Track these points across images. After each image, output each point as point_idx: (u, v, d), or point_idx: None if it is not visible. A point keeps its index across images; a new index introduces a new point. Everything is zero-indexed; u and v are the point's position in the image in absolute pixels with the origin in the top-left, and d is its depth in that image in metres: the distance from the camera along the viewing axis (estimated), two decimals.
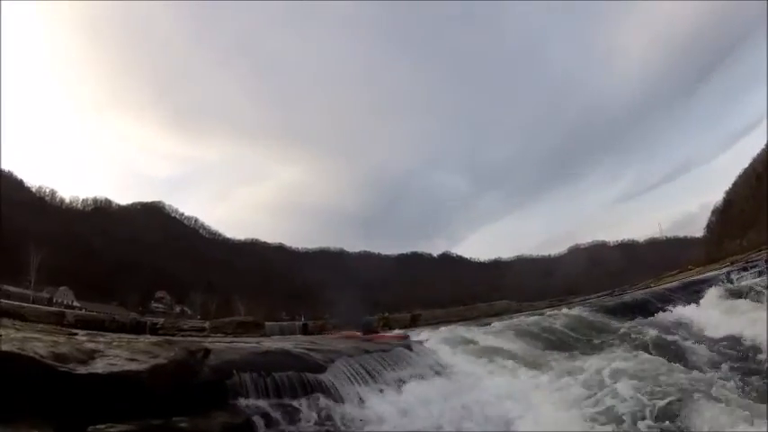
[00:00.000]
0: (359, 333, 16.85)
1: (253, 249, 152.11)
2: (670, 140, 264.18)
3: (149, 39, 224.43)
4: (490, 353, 11.33)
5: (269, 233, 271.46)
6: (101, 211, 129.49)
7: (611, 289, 37.76)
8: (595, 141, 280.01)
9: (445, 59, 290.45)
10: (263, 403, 6.78)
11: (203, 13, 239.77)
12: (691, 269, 35.67)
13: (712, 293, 17.81)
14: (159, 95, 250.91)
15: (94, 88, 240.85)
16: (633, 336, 12.32)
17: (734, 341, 11.69)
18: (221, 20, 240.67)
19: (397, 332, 18.16)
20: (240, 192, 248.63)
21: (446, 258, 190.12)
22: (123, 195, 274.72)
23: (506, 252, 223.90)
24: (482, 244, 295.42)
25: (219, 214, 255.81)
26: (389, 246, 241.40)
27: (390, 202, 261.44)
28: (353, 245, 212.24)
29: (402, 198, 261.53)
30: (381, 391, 8.09)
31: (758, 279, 19.67)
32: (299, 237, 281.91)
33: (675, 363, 9.43)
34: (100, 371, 5.97)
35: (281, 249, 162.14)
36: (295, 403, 7.02)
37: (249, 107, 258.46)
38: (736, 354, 10.74)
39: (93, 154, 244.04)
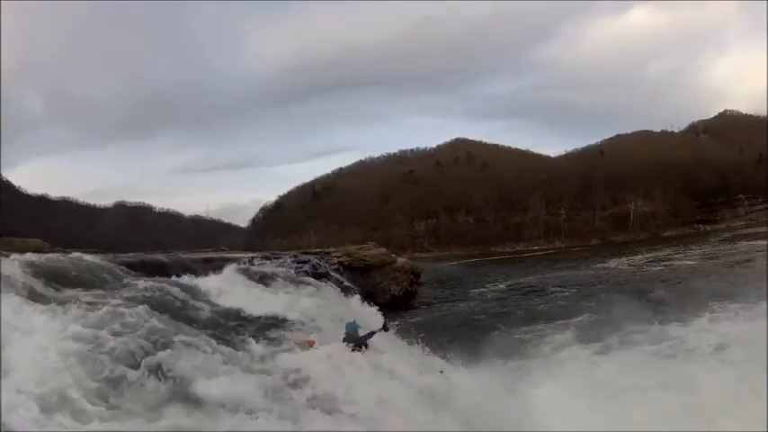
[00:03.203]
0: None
1: None
2: (252, 136, 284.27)
3: None
4: None
5: None
6: None
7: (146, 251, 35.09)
8: (173, 112, 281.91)
9: None
10: None
11: None
12: (224, 250, 35.94)
13: (230, 270, 17.92)
14: None
15: None
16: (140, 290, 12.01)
17: (234, 310, 12.85)
18: None
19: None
20: None
21: None
22: None
23: (54, 191, 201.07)
24: (33, 175, 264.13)
25: None
26: None
27: None
28: None
29: None
30: None
31: (278, 269, 20.65)
32: None
33: (175, 318, 9.88)
34: None
35: None
36: None
37: None
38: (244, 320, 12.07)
39: None
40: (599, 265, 45.80)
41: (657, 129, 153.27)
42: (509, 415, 9.37)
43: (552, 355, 15.22)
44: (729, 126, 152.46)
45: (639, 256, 51.06)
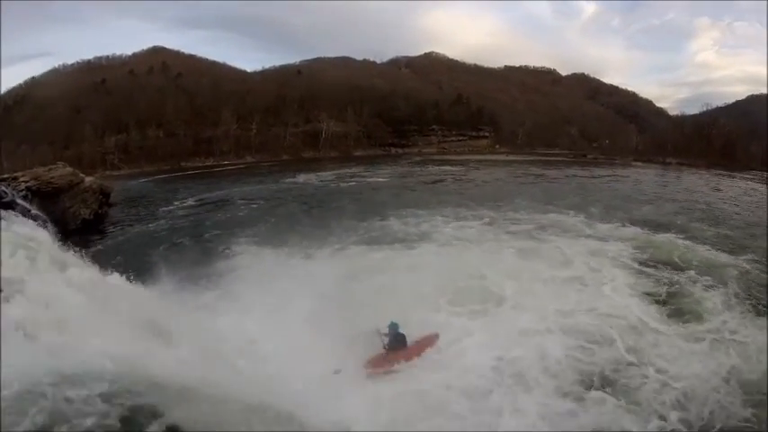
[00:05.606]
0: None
1: None
2: None
3: None
4: None
5: None
6: None
7: None
8: None
9: None
10: None
11: None
12: None
13: None
14: None
15: None
16: None
17: None
18: None
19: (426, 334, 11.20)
20: None
21: None
22: None
23: None
24: None
25: None
26: None
27: None
28: None
29: None
30: None
31: None
32: None
33: None
34: None
35: None
36: None
37: None
38: None
39: None
40: (289, 180, 46.52)
41: (360, 57, 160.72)
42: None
43: (231, 259, 16.74)
44: (433, 66, 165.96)
45: (329, 173, 52.94)
